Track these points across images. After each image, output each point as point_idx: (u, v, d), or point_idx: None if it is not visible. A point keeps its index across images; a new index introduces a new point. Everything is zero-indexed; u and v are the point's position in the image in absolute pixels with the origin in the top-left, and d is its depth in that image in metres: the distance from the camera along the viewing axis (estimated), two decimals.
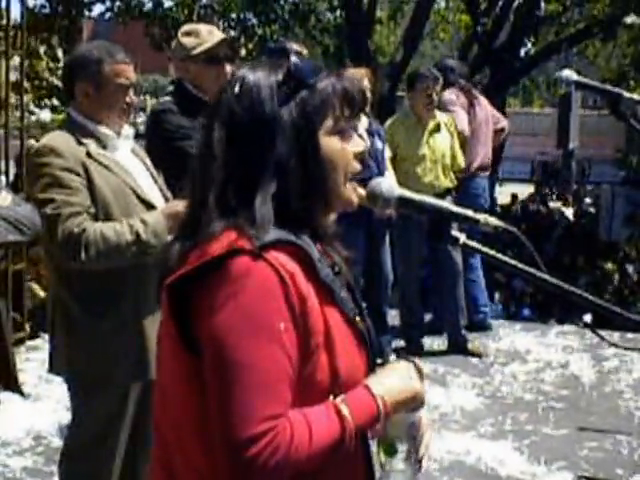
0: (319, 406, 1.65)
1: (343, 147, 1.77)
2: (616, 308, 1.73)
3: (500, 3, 15.15)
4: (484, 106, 7.93)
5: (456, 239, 1.82)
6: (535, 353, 7.17)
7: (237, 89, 1.74)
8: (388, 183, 1.88)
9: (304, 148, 1.71)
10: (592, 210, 18.63)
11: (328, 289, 1.73)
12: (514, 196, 21.44)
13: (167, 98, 4.31)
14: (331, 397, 1.68)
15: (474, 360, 6.92)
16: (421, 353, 6.73)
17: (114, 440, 3.39)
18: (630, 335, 7.27)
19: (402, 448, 1.87)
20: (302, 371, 1.64)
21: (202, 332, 1.63)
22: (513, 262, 1.80)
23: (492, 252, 1.81)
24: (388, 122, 7.14)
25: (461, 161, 7.23)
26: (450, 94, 7.45)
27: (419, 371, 1.88)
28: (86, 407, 3.39)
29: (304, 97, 1.73)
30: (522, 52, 16.64)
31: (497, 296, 11.12)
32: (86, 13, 18.56)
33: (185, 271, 1.65)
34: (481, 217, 1.82)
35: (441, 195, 6.58)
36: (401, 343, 7.03)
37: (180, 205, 3.17)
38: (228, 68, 4.10)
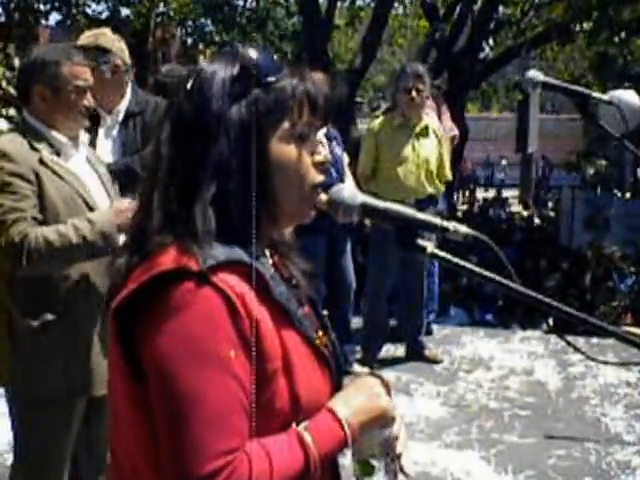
0: (280, 435, 1.53)
1: (300, 155, 1.63)
2: (590, 318, 1.63)
3: (458, 8, 15.16)
4: (447, 115, 7.90)
5: (424, 248, 1.71)
6: (499, 360, 7.10)
7: (190, 84, 1.61)
8: (350, 190, 1.76)
9: (249, 148, 1.57)
10: (552, 214, 18.73)
11: (283, 309, 1.60)
12: (471, 203, 21.49)
13: None
14: (294, 425, 1.56)
15: (438, 368, 6.83)
16: (373, 366, 6.58)
17: (60, 456, 3.31)
18: (595, 340, 7.23)
19: (379, 466, 1.77)
20: (260, 399, 1.51)
21: (147, 361, 1.51)
22: (483, 272, 1.69)
23: (462, 262, 1.70)
24: (375, 121, 6.95)
25: (448, 172, 6.98)
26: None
27: (386, 386, 1.77)
28: (29, 423, 3.30)
29: (257, 95, 1.59)
30: (481, 57, 16.64)
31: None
32: (43, 22, 18.42)
33: (128, 293, 1.53)
34: (450, 225, 1.71)
35: (423, 201, 6.46)
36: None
37: (126, 203, 3.12)
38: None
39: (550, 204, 20.57)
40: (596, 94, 2.75)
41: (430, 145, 6.78)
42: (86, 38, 4.29)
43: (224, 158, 1.56)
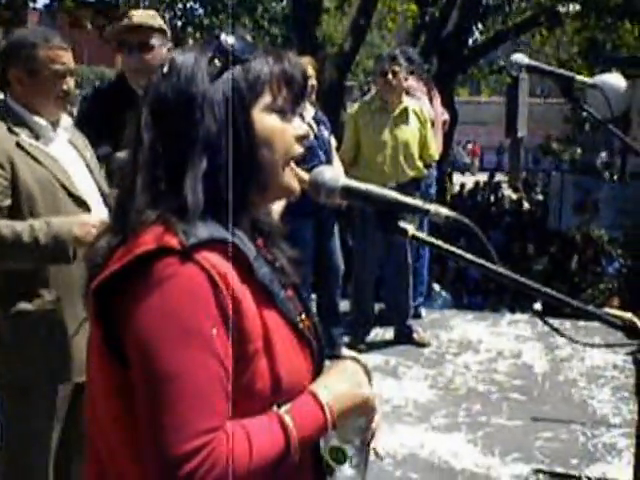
0: (260, 417, 1.53)
1: (283, 126, 1.66)
2: (573, 300, 1.64)
3: None
4: (438, 99, 7.89)
5: (405, 231, 1.72)
6: (487, 343, 7.12)
7: (165, 69, 1.63)
8: (332, 172, 1.76)
9: (234, 123, 1.59)
10: (540, 198, 18.76)
11: (266, 290, 1.61)
12: (462, 185, 21.52)
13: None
14: (275, 407, 1.56)
15: (426, 351, 6.84)
16: (362, 349, 6.61)
17: (44, 443, 3.28)
18: (582, 323, 7.25)
19: (351, 453, 1.76)
20: (240, 379, 1.52)
21: (128, 341, 1.51)
22: (465, 254, 1.70)
23: (442, 244, 1.70)
24: (354, 107, 6.94)
25: (433, 151, 6.95)
26: (412, 81, 7.26)
27: (367, 372, 1.76)
28: (12, 409, 3.27)
29: (236, 73, 1.61)
30: (470, 41, 16.64)
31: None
32: (30, 5, 18.35)
33: (109, 273, 1.53)
34: (431, 207, 1.72)
35: (404, 186, 6.39)
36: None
37: (92, 218, 3.05)
38: (145, 56, 4.03)
39: (538, 188, 20.62)
40: (580, 77, 2.75)
41: (410, 128, 6.73)
42: (140, 17, 4.10)
43: (212, 134, 1.57)
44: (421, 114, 6.83)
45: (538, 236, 13.13)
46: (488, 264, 1.66)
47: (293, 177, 1.70)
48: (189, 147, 1.57)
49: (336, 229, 6.50)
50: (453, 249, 1.69)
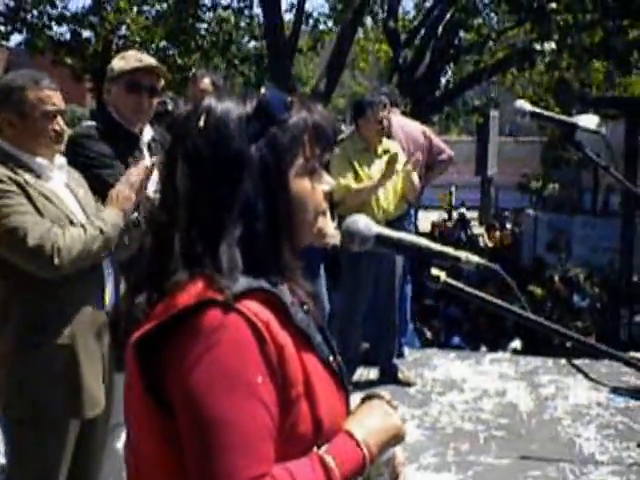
0: (303, 459, 1.57)
1: (314, 187, 1.69)
2: (611, 350, 1.69)
3: (420, 34, 15.35)
4: (437, 139, 7.82)
5: (437, 277, 1.76)
6: (471, 382, 7.16)
7: (202, 122, 1.62)
8: (365, 220, 1.80)
9: (273, 188, 1.61)
10: (510, 235, 18.88)
11: (304, 334, 1.65)
12: (434, 225, 21.63)
13: (89, 123, 4.14)
14: (315, 448, 1.60)
15: (411, 390, 6.86)
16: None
17: (54, 477, 3.28)
18: (564, 361, 7.32)
19: None
20: (284, 423, 1.56)
21: (175, 392, 1.54)
22: (498, 302, 1.74)
23: (475, 292, 1.75)
24: (340, 146, 6.88)
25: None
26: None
27: (390, 405, 1.81)
28: (21, 444, 3.27)
29: (275, 134, 1.62)
30: (442, 81, 16.83)
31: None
32: (3, 43, 18.36)
33: (152, 325, 1.56)
34: (462, 255, 1.76)
35: (391, 223, 6.36)
36: None
37: (120, 189, 3.38)
38: (153, 100, 4.00)
39: (508, 225, 20.77)
40: (583, 124, 2.80)
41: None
42: (150, 60, 4.07)
43: (250, 199, 1.59)
44: (399, 153, 6.78)
45: (512, 274, 13.19)
46: (523, 312, 1.71)
47: (327, 224, 1.74)
48: (226, 211, 1.58)
49: (322, 270, 6.51)
50: (485, 296, 1.74)
